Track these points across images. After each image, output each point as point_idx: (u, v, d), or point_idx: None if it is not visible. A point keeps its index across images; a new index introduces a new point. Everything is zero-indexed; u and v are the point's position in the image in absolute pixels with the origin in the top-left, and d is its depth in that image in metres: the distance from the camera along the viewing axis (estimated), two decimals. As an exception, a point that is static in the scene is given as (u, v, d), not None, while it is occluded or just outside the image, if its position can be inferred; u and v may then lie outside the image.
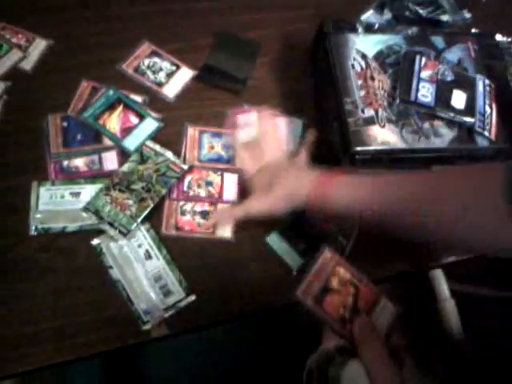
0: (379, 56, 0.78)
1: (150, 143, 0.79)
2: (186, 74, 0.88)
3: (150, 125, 0.82)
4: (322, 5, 0.96)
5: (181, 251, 0.73)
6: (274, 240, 0.75)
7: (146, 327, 0.68)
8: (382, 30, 0.83)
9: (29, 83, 0.85)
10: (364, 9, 0.91)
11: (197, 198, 0.78)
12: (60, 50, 0.89)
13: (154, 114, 0.83)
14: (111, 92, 0.83)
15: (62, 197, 0.75)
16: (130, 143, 0.80)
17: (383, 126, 0.72)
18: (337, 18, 0.82)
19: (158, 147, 0.79)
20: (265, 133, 0.78)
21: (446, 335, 1.00)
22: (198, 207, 0.77)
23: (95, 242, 0.73)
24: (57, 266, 0.72)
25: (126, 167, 0.77)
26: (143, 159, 0.78)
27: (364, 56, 0.78)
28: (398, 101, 0.74)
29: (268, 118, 0.80)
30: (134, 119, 0.82)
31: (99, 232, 0.73)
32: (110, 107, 0.83)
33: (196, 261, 0.74)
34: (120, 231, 0.72)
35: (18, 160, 0.79)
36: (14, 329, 0.68)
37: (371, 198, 0.63)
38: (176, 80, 0.87)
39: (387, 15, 0.85)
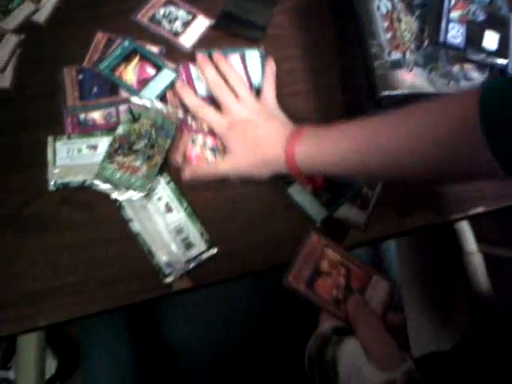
0: (406, -4, 0.74)
1: (136, 100, 0.76)
2: (202, 23, 0.84)
3: (168, 75, 0.79)
4: None
5: (202, 204, 0.72)
6: (296, 191, 0.72)
7: (168, 280, 0.67)
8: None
9: (42, 36, 0.84)
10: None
11: (199, 131, 0.76)
12: (73, 1, 0.86)
13: (170, 65, 0.80)
14: (127, 43, 0.81)
15: (79, 151, 0.74)
16: (148, 95, 0.77)
17: (410, 70, 0.69)
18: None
19: (146, 102, 0.76)
20: (224, 76, 0.75)
21: (472, 289, 0.98)
22: (210, 141, 0.74)
23: (114, 195, 0.71)
24: (77, 219, 0.71)
25: (120, 130, 0.74)
26: (135, 118, 0.75)
27: (390, -3, 0.74)
28: (426, 43, 0.70)
29: (220, 58, 0.77)
30: (150, 70, 0.79)
31: (118, 185, 0.72)
32: (126, 59, 0.80)
33: (217, 213, 0.72)
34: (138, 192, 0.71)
35: (33, 114, 0.77)
36: (35, 283, 0.68)
37: (355, 145, 0.61)
38: (193, 29, 0.84)
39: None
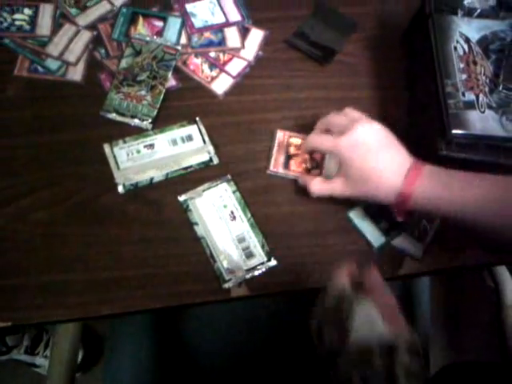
0: (483, 41, 0.77)
1: (137, 35, 0.84)
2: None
3: (175, 22, 0.87)
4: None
5: (264, 217, 0.74)
6: (357, 215, 0.74)
7: (228, 286, 0.69)
8: (484, 15, 0.81)
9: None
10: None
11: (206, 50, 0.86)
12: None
13: (173, 13, 0.89)
14: (124, 9, 0.89)
15: (138, 151, 0.77)
16: (170, 37, 0.86)
17: (483, 112, 0.71)
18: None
19: (146, 37, 0.84)
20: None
21: (509, 343, 0.96)
22: (212, 54, 0.86)
23: (182, 197, 0.74)
24: (144, 216, 0.74)
25: (123, 63, 0.82)
26: (137, 51, 0.82)
27: (467, 40, 0.76)
28: (500, 87, 0.72)
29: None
30: (158, 23, 0.88)
31: (185, 184, 0.75)
32: (132, 22, 0.88)
33: (278, 229, 0.74)
34: (144, 120, 0.79)
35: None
36: (98, 273, 0.70)
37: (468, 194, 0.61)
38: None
39: (491, 1, 0.83)
